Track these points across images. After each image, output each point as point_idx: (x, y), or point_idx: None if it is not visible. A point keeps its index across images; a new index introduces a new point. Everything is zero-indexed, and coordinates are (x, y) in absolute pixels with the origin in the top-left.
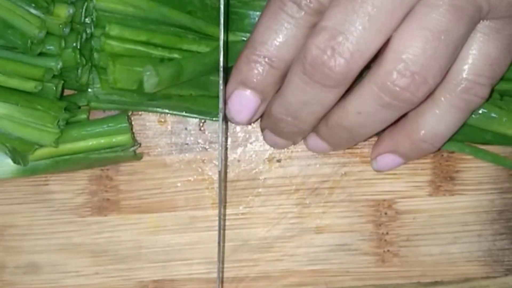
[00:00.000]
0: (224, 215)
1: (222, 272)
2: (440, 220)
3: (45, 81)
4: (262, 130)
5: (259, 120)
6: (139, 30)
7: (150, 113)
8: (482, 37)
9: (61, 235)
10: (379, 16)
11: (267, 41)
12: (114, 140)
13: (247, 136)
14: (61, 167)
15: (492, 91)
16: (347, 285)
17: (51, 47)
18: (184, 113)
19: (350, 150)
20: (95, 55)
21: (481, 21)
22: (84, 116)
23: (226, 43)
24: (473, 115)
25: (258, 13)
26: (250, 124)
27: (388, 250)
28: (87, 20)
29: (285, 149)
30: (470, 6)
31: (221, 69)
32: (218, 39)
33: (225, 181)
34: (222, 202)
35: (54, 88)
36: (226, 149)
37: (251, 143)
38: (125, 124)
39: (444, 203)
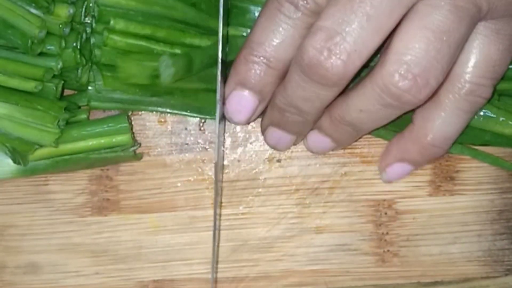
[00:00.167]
0: (220, 215)
1: (217, 271)
2: (440, 220)
3: (45, 81)
4: (263, 130)
5: (259, 120)
6: (144, 24)
7: (150, 113)
8: (483, 39)
9: (61, 235)
10: (378, 15)
11: (264, 41)
12: (114, 140)
13: (247, 136)
14: (61, 167)
15: (494, 89)
16: (347, 285)
17: (51, 47)
18: (184, 112)
19: (350, 150)
20: (97, 51)
21: (481, 22)
22: (84, 116)
23: (226, 37)
24: None
25: (259, 8)
26: (249, 124)
27: (388, 250)
28: (87, 19)
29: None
30: (472, 6)
31: (219, 59)
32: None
33: (222, 169)
34: (220, 190)
35: (54, 88)
36: (224, 133)
37: (251, 143)
38: (125, 124)
39: (444, 203)
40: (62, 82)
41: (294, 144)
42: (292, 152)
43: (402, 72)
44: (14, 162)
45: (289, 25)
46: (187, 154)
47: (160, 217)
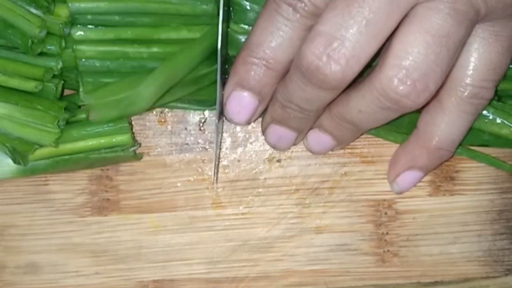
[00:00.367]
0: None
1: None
2: (440, 220)
3: (45, 81)
4: (263, 130)
5: (259, 120)
6: (105, 28)
7: (150, 113)
8: (482, 42)
9: (61, 235)
10: (376, 20)
11: (263, 43)
12: (114, 140)
13: (247, 136)
14: (61, 167)
15: (496, 89)
16: (347, 285)
17: (51, 47)
18: (185, 105)
19: (350, 150)
20: (78, 61)
21: (479, 24)
22: (84, 116)
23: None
24: None
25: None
26: (249, 124)
27: (388, 250)
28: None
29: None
30: (470, 9)
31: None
32: (203, 22)
33: (220, 148)
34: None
35: (54, 88)
36: (223, 129)
37: (251, 143)
38: (125, 124)
39: (444, 203)
40: (62, 82)
41: (294, 144)
42: (292, 152)
43: (401, 77)
44: (14, 162)
45: (287, 27)
46: (187, 154)
47: (160, 217)
